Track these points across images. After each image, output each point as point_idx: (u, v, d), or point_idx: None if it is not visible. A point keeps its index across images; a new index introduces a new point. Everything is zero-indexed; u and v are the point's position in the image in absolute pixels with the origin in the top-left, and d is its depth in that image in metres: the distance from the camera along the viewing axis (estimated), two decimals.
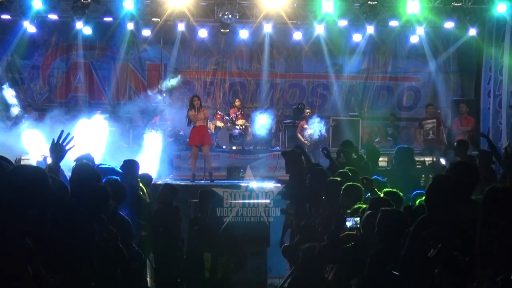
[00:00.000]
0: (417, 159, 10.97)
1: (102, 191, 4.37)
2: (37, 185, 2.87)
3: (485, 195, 3.17)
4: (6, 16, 15.23)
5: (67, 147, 4.08)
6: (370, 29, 15.45)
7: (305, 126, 14.67)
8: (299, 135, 14.55)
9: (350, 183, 6.29)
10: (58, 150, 4.00)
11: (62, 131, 4.03)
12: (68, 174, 4.91)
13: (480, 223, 3.12)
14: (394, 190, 5.82)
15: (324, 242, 5.42)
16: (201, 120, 12.74)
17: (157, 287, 7.52)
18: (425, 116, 14.84)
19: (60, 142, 4.02)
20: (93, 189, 4.37)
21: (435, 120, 14.39)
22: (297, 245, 6.62)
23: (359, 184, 6.29)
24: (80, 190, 4.14)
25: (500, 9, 14.20)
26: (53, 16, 15.38)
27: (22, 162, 11.68)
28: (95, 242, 4.15)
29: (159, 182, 11.06)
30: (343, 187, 6.22)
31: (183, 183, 12.36)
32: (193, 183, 12.46)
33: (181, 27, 15.80)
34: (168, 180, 13.43)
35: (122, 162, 7.18)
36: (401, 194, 5.78)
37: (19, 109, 14.77)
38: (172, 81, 15.86)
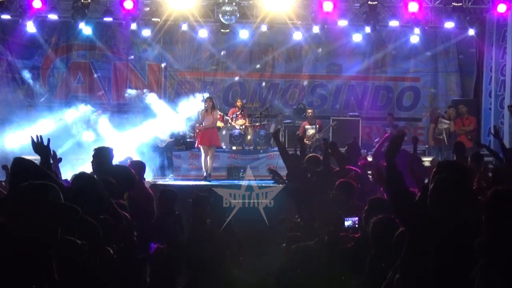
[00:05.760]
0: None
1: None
2: None
3: (491, 197, 3.18)
4: (6, 16, 15.20)
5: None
6: (370, 29, 15.43)
7: (307, 126, 14.66)
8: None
9: None
10: (42, 149, 4.55)
11: (32, 137, 4.61)
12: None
13: (485, 224, 3.14)
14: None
15: (322, 241, 5.41)
16: (209, 122, 12.90)
17: None
18: (444, 115, 14.69)
19: (41, 143, 4.58)
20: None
21: (451, 123, 14.26)
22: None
23: None
24: None
25: (500, 10, 14.20)
26: (53, 16, 15.35)
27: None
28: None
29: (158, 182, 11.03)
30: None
31: (183, 183, 12.39)
32: (198, 183, 12.53)
33: (181, 27, 15.79)
34: (168, 180, 13.45)
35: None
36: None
37: None
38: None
